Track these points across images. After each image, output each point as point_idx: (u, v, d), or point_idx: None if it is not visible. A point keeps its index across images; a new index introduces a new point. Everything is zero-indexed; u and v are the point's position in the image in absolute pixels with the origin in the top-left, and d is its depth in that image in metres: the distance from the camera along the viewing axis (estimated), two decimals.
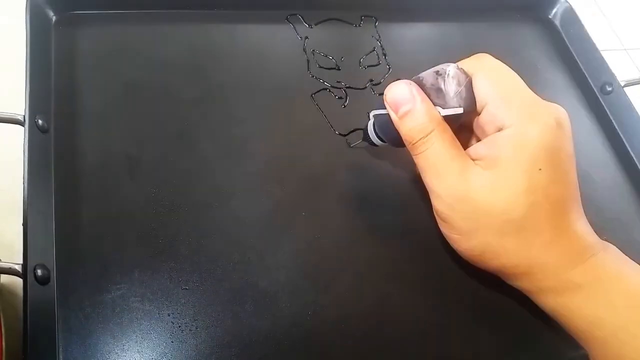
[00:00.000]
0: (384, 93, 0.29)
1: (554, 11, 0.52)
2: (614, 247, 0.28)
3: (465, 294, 0.33)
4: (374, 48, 0.44)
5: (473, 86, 0.28)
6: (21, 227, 0.28)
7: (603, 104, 0.46)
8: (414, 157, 0.29)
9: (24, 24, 0.35)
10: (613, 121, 0.45)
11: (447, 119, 0.28)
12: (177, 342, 0.28)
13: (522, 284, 0.29)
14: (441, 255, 0.34)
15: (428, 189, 0.29)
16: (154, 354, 0.28)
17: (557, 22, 0.51)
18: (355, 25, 0.45)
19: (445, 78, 0.28)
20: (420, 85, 0.29)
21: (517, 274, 0.28)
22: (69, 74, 0.36)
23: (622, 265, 0.27)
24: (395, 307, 0.32)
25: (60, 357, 0.27)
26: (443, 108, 0.28)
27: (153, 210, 0.32)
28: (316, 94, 0.40)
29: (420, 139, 0.27)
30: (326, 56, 0.42)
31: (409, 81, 0.28)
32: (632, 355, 0.25)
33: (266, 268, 0.31)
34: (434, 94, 0.28)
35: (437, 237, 0.34)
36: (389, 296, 0.32)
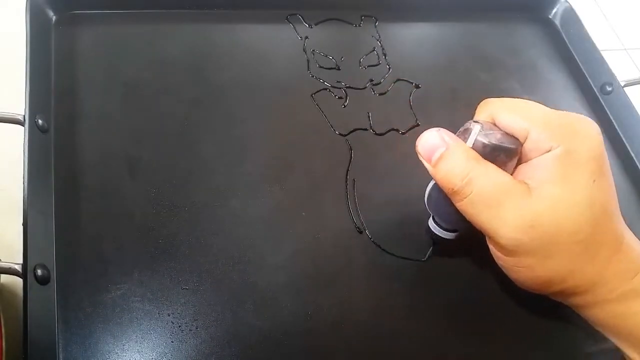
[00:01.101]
0: (416, 146, 0.28)
1: (554, 11, 0.52)
2: None
3: (469, 293, 0.33)
4: (374, 48, 0.44)
5: (502, 126, 0.27)
6: (21, 227, 0.28)
7: (603, 104, 0.46)
8: (458, 205, 0.27)
9: (24, 24, 0.35)
10: (613, 121, 0.45)
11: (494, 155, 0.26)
12: (177, 342, 0.28)
13: (580, 300, 0.28)
14: (443, 254, 0.34)
15: (484, 231, 0.27)
16: (154, 353, 0.28)
17: (557, 22, 0.51)
18: (355, 25, 0.45)
19: (475, 124, 0.27)
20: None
21: (578, 292, 0.27)
22: (69, 74, 0.36)
23: None
24: (395, 307, 0.32)
25: (60, 357, 0.27)
26: (481, 151, 0.26)
27: (153, 210, 0.32)
28: (316, 94, 0.40)
29: (460, 181, 0.26)
30: (326, 56, 0.42)
31: (437, 128, 0.27)
32: None
33: (266, 268, 0.31)
34: (461, 136, 0.27)
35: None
36: (389, 296, 0.32)
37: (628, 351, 0.28)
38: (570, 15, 0.50)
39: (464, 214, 0.27)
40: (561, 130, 0.26)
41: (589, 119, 0.27)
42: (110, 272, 0.29)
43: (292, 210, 0.34)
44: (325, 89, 0.40)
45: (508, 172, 0.27)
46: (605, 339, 0.29)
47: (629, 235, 0.28)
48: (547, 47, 0.49)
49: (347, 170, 0.36)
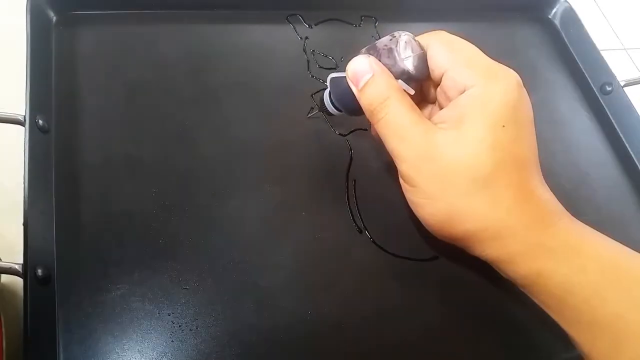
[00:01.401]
0: (346, 68, 0.30)
1: (553, 11, 0.52)
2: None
3: (469, 293, 0.33)
4: None
5: (430, 56, 0.29)
6: (21, 227, 0.28)
7: (603, 103, 0.46)
8: (375, 125, 0.29)
9: (24, 24, 0.35)
10: (613, 121, 0.45)
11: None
12: (177, 341, 0.28)
13: (492, 251, 0.28)
14: (443, 253, 0.34)
15: (393, 156, 0.29)
16: (154, 353, 0.28)
17: (556, 22, 0.51)
18: (355, 25, 0.45)
19: (399, 40, 0.29)
20: (374, 48, 0.29)
21: (485, 239, 0.27)
22: (69, 74, 0.36)
23: (588, 231, 0.27)
24: (395, 307, 0.32)
25: (60, 357, 0.27)
26: (392, 69, 0.28)
27: (153, 210, 0.32)
28: (316, 94, 0.40)
29: (379, 104, 0.28)
30: (326, 56, 0.42)
31: (367, 54, 0.29)
32: (604, 320, 0.25)
33: (266, 268, 0.31)
34: (385, 54, 0.29)
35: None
36: (389, 296, 0.32)
37: (552, 315, 0.27)
38: (570, 15, 0.51)
39: (378, 135, 0.29)
40: (481, 71, 0.28)
41: (513, 71, 0.28)
42: (110, 272, 0.29)
43: (292, 210, 0.34)
44: (325, 89, 0.40)
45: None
46: None
47: (544, 191, 0.28)
48: (547, 47, 0.50)
49: (347, 170, 0.36)
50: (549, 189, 0.28)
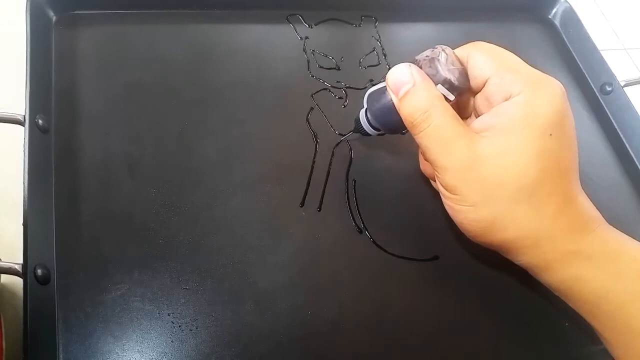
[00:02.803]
0: (386, 77, 0.29)
1: (553, 11, 0.52)
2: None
3: (469, 292, 0.33)
4: (374, 48, 0.44)
5: (472, 64, 0.29)
6: (21, 227, 0.28)
7: (603, 103, 0.46)
8: (416, 137, 0.28)
9: (24, 24, 0.35)
10: (613, 121, 0.45)
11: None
12: (177, 341, 0.28)
13: (529, 259, 0.28)
14: (443, 255, 0.34)
15: (434, 166, 0.28)
16: (154, 353, 0.28)
17: (557, 22, 0.51)
18: (355, 25, 0.45)
19: (441, 51, 0.28)
20: (414, 60, 0.29)
21: (525, 246, 0.27)
22: (69, 74, 0.36)
23: (626, 239, 0.28)
24: (395, 307, 0.32)
25: (60, 357, 0.27)
26: (434, 78, 0.28)
27: (153, 210, 0.32)
28: (316, 94, 0.40)
29: (420, 115, 0.27)
30: (326, 56, 0.42)
31: (408, 63, 0.29)
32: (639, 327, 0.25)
33: (266, 268, 0.31)
34: (427, 64, 0.28)
35: (438, 236, 0.34)
36: (388, 296, 0.32)
37: (587, 318, 0.28)
38: (570, 15, 0.50)
39: (419, 145, 0.29)
40: (526, 78, 0.27)
41: (557, 81, 0.28)
42: (110, 272, 0.29)
43: (292, 210, 0.34)
44: (325, 89, 0.41)
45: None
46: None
47: (584, 199, 0.28)
48: (547, 47, 0.50)
49: (347, 170, 0.36)
50: (587, 197, 0.28)
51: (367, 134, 0.33)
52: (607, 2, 0.76)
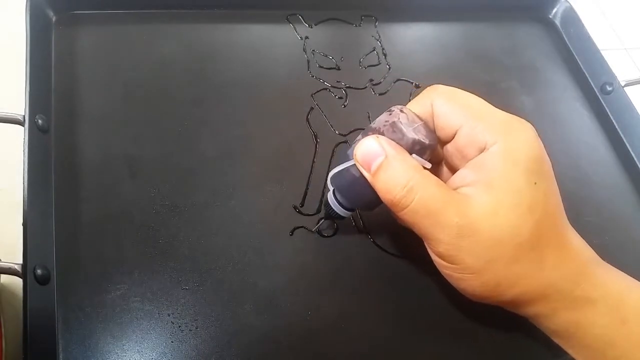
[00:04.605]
0: (353, 153, 0.27)
1: (554, 11, 0.52)
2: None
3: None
4: (374, 48, 0.44)
5: (436, 114, 0.27)
6: (21, 227, 0.28)
7: (603, 103, 0.46)
8: (399, 214, 0.26)
9: (24, 24, 0.35)
10: (613, 121, 0.45)
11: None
12: (177, 342, 0.28)
13: (536, 310, 0.27)
14: None
15: (425, 238, 0.27)
16: (154, 354, 0.28)
17: (557, 22, 0.51)
18: (355, 25, 0.45)
19: (399, 113, 0.27)
20: (373, 130, 0.27)
21: (532, 300, 0.27)
22: (69, 74, 0.36)
23: (627, 280, 0.27)
24: (395, 307, 0.32)
25: (60, 357, 0.27)
26: (401, 142, 0.26)
27: (153, 210, 0.32)
28: (316, 94, 0.40)
29: (399, 191, 0.25)
30: (326, 56, 0.42)
31: (375, 135, 0.26)
32: None
33: (266, 268, 0.31)
34: (389, 130, 0.26)
35: None
36: (388, 296, 0.32)
37: None
38: (571, 15, 0.50)
39: (403, 222, 0.27)
40: (499, 126, 0.26)
41: (527, 122, 0.27)
42: (110, 272, 0.29)
43: (292, 210, 0.34)
44: (325, 89, 0.40)
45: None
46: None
47: (577, 239, 0.27)
48: (547, 47, 0.49)
49: None
50: (579, 235, 0.28)
51: (341, 217, 0.30)
52: (608, 1, 0.76)
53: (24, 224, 0.28)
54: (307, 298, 0.31)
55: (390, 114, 0.27)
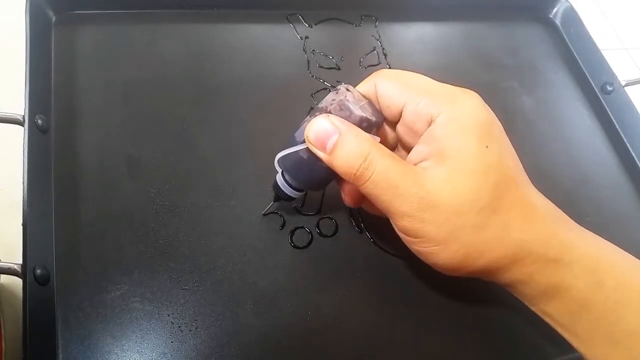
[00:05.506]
0: (305, 135, 0.26)
1: (554, 11, 0.52)
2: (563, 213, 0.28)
3: (470, 293, 0.33)
4: (374, 48, 0.44)
5: (380, 94, 0.28)
6: (21, 227, 0.28)
7: (604, 103, 0.46)
8: (360, 188, 0.26)
9: (24, 24, 0.35)
10: (614, 121, 0.45)
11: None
12: (177, 342, 0.28)
13: (510, 275, 0.27)
14: None
15: (388, 212, 0.26)
16: (154, 354, 0.28)
17: (557, 22, 0.51)
18: (355, 25, 0.45)
19: (346, 92, 0.27)
20: (321, 110, 0.27)
21: (505, 265, 0.26)
22: (69, 74, 0.36)
23: (602, 244, 0.27)
24: (395, 307, 0.32)
25: (60, 357, 0.27)
26: (350, 119, 0.26)
27: (153, 210, 0.32)
28: (316, 93, 0.40)
29: (361, 164, 0.25)
30: (326, 56, 0.42)
31: (325, 114, 0.26)
32: (620, 337, 0.25)
33: (266, 268, 0.31)
34: (337, 109, 0.26)
35: None
36: (388, 296, 0.32)
37: (565, 333, 0.27)
38: (571, 15, 0.50)
39: (367, 197, 0.27)
40: (442, 97, 0.26)
41: (471, 90, 0.27)
42: (110, 272, 0.29)
43: (291, 211, 0.34)
44: (325, 89, 0.40)
45: None
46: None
47: (542, 200, 0.27)
48: (548, 47, 0.49)
49: None
50: (544, 197, 0.27)
51: (291, 198, 0.30)
52: (608, 1, 0.76)
53: (24, 224, 0.28)
54: (307, 298, 0.31)
55: (337, 93, 0.27)
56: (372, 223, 0.34)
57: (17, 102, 0.32)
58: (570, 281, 0.25)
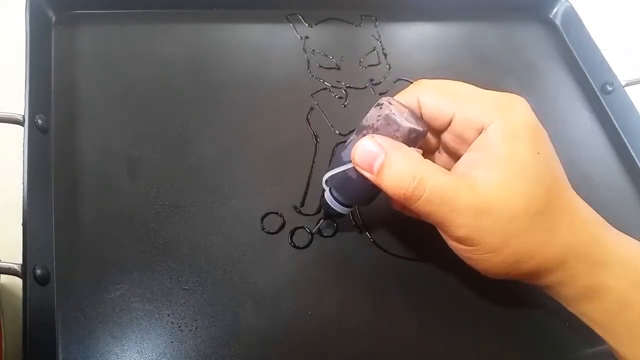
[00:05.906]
0: (352, 157, 0.27)
1: (554, 11, 0.52)
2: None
3: (470, 292, 0.33)
4: (374, 48, 0.44)
5: (425, 107, 0.28)
6: (21, 227, 0.28)
7: (604, 103, 0.46)
8: (414, 207, 0.26)
9: (24, 24, 0.35)
10: (614, 121, 0.45)
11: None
12: (177, 342, 0.28)
13: (554, 278, 0.27)
14: (443, 253, 0.34)
15: (442, 225, 0.27)
16: (154, 354, 0.28)
17: (557, 22, 0.51)
18: (355, 25, 0.45)
19: (389, 105, 0.26)
20: (367, 127, 0.27)
21: (551, 268, 0.27)
22: (68, 74, 0.36)
23: (633, 242, 0.27)
24: (395, 307, 0.32)
25: (60, 357, 0.27)
26: (397, 134, 0.26)
27: (153, 210, 0.32)
28: (316, 93, 0.40)
29: (410, 184, 0.25)
30: (326, 56, 0.42)
31: (370, 135, 0.26)
32: None
33: (266, 268, 0.31)
34: (384, 124, 0.26)
35: (439, 236, 0.34)
36: (389, 296, 0.32)
37: (603, 334, 0.27)
38: (571, 15, 0.50)
39: (418, 214, 0.27)
40: (493, 105, 0.26)
41: (519, 96, 0.27)
42: (110, 272, 0.29)
43: (292, 210, 0.34)
44: (325, 88, 0.40)
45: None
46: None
47: (582, 203, 0.28)
48: (548, 47, 0.49)
49: None
50: (582, 200, 0.28)
51: (341, 215, 0.31)
52: (608, 1, 0.76)
53: (24, 224, 0.28)
54: (307, 298, 0.31)
55: (380, 108, 0.27)
56: (372, 223, 0.34)
57: (17, 102, 0.32)
58: (610, 282, 0.26)
